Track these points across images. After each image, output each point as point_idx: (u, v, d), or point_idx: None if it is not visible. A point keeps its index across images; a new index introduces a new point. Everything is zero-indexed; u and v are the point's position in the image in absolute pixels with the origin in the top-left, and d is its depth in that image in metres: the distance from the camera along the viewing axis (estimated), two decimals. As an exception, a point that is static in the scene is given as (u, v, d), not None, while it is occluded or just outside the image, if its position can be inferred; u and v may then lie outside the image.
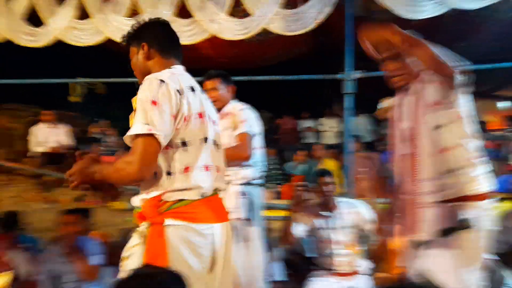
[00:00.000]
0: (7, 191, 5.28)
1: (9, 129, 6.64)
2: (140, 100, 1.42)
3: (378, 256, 2.97)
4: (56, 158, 5.81)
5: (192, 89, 1.52)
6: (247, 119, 2.52)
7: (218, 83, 2.60)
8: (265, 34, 5.16)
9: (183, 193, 1.46)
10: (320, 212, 3.00)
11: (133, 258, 1.46)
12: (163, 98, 1.40)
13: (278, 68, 6.42)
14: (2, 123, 6.69)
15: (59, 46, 4.68)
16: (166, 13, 4.31)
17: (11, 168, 5.87)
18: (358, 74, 4.22)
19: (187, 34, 4.37)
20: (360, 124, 7.25)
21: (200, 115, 1.51)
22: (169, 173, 1.46)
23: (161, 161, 1.45)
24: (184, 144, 1.46)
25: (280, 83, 5.04)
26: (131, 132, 1.40)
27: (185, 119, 1.45)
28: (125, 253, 1.51)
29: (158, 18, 1.77)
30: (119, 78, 5.87)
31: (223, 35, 4.27)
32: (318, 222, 3.00)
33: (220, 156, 1.62)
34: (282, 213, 3.80)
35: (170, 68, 1.57)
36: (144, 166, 1.38)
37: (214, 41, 4.69)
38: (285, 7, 4.30)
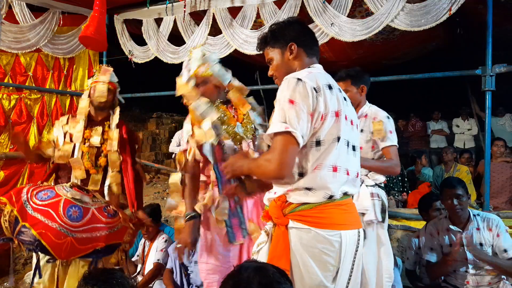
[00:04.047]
0: (153, 188, 6.11)
1: (155, 135, 7.67)
2: (278, 100, 1.41)
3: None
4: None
5: (330, 87, 1.46)
6: (393, 129, 2.49)
7: (349, 84, 2.57)
8: (389, 32, 4.90)
9: (307, 193, 1.41)
10: (450, 226, 2.68)
11: (260, 254, 1.52)
12: (300, 96, 1.37)
13: (406, 66, 6.01)
14: (150, 129, 7.76)
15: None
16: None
17: (157, 168, 6.80)
18: (500, 68, 3.66)
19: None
20: (503, 125, 6.30)
21: (337, 114, 1.44)
22: (300, 174, 1.43)
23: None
24: (318, 143, 1.41)
25: (408, 81, 4.68)
26: (270, 131, 1.39)
27: (322, 117, 1.40)
28: (255, 248, 1.58)
29: (296, 18, 1.74)
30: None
31: (343, 38, 4.18)
32: (448, 237, 2.70)
33: (354, 159, 1.52)
34: (406, 223, 3.55)
35: (310, 67, 1.55)
36: (283, 164, 1.35)
37: (335, 44, 4.63)
38: (413, 1, 4.00)
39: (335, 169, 1.42)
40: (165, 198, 5.49)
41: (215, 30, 4.94)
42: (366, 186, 2.48)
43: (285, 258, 1.39)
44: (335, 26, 4.20)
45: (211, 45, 4.98)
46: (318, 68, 1.56)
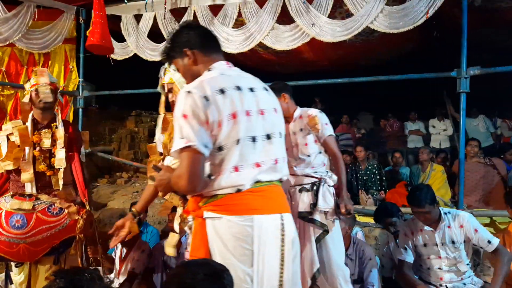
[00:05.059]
0: (131, 187, 6.01)
1: (134, 133, 7.53)
2: (175, 116, 1.45)
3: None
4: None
5: (222, 91, 1.46)
6: (328, 122, 2.69)
7: None
8: (369, 33, 4.96)
9: (218, 190, 1.47)
10: (425, 227, 2.75)
11: (188, 248, 1.58)
12: (191, 109, 1.40)
13: (384, 67, 6.10)
14: (129, 128, 7.62)
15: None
16: (269, 21, 4.44)
17: (135, 167, 6.68)
18: (474, 71, 3.77)
19: (289, 39, 4.44)
20: (477, 126, 6.50)
21: (233, 116, 1.46)
22: (209, 176, 1.47)
23: None
24: (220, 148, 1.45)
25: (386, 82, 4.77)
26: (173, 148, 1.44)
27: (218, 123, 1.43)
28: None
29: (186, 22, 1.83)
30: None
31: (323, 38, 4.22)
32: (422, 237, 2.76)
33: (268, 148, 1.53)
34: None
35: (210, 68, 1.56)
36: (193, 177, 1.40)
37: (315, 45, 4.66)
38: (392, 4, 4.07)
39: (236, 169, 1.46)
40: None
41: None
42: (329, 186, 2.63)
43: (204, 248, 1.45)
44: (316, 26, 4.22)
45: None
46: (216, 69, 1.56)
